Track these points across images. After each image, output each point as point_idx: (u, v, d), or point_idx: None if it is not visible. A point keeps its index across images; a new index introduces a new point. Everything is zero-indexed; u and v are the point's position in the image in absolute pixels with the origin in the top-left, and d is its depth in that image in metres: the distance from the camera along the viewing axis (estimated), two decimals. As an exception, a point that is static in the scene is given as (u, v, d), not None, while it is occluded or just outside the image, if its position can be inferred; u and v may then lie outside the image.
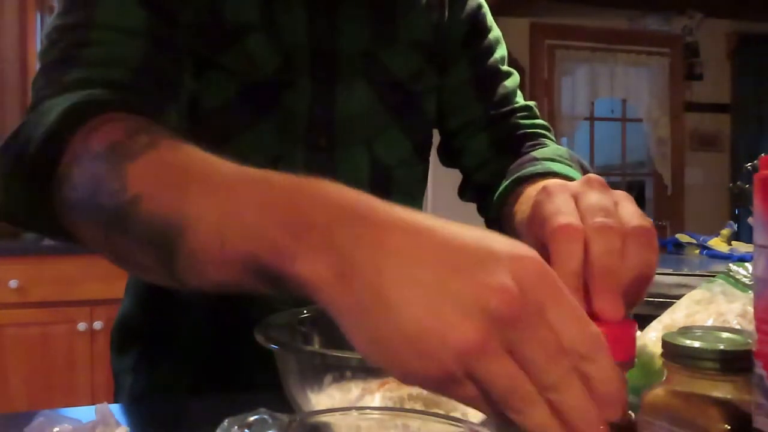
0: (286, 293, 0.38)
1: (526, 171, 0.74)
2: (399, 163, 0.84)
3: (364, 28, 0.79)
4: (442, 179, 1.10)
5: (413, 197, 0.88)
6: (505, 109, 0.86)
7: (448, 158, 0.91)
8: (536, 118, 0.87)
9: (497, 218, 0.78)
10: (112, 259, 0.49)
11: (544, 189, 0.49)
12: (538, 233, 0.47)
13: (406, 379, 0.35)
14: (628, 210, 0.47)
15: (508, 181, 0.76)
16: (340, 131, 0.78)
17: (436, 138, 0.92)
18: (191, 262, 0.41)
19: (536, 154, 0.79)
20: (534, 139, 0.84)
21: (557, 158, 0.77)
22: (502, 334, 0.33)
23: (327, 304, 0.36)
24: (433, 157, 0.93)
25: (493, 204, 0.78)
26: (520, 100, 0.88)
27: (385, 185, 0.82)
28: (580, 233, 0.43)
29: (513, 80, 0.89)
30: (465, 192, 0.91)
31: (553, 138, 0.86)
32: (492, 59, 0.88)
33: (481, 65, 0.87)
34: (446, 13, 0.86)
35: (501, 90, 0.87)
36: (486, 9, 0.90)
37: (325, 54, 0.77)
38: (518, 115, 0.86)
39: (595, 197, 0.47)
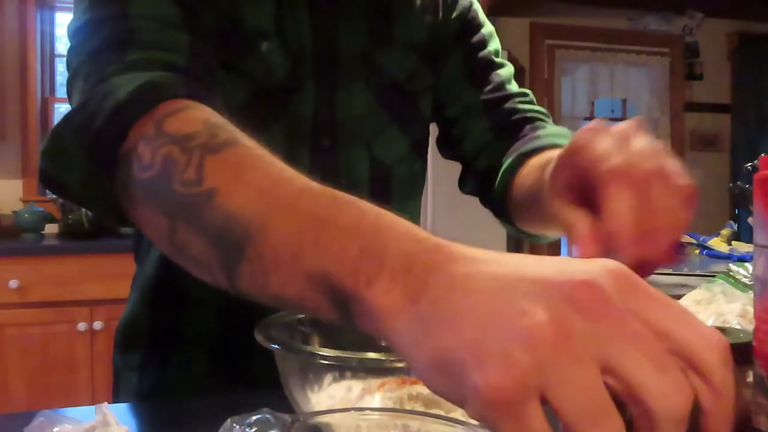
0: (346, 321, 0.36)
1: (529, 146, 0.74)
2: (397, 162, 0.85)
3: (363, 30, 0.81)
4: (442, 179, 1.10)
5: (412, 195, 0.89)
6: (501, 94, 0.86)
7: (447, 148, 0.92)
8: (534, 104, 0.87)
9: (502, 198, 0.78)
10: (170, 250, 0.46)
11: (587, 128, 0.49)
12: (580, 169, 0.46)
13: (471, 398, 0.29)
14: (676, 164, 0.46)
15: (512, 158, 0.75)
16: (341, 132, 0.80)
17: (434, 132, 0.92)
18: (256, 268, 0.40)
19: (539, 132, 0.79)
20: (533, 122, 0.84)
21: (561, 135, 0.77)
22: (585, 335, 0.29)
23: (392, 330, 0.33)
24: (433, 158, 0.93)
25: (498, 182, 0.78)
26: (515, 87, 0.88)
27: (384, 183, 0.84)
28: (638, 176, 0.43)
29: (507, 70, 0.89)
30: (465, 182, 0.91)
31: (552, 123, 0.86)
32: (485, 51, 0.89)
33: (474, 57, 0.88)
34: (440, 15, 0.87)
35: (495, 78, 0.87)
36: (477, 6, 0.91)
37: (327, 57, 0.78)
38: (516, 99, 0.86)
39: (644, 140, 0.46)
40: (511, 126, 0.83)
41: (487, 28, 0.91)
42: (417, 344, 0.32)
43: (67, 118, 0.54)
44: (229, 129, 0.48)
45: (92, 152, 0.51)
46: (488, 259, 0.33)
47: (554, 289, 0.30)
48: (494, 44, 0.90)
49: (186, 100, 0.52)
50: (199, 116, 0.49)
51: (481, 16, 0.91)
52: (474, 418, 0.30)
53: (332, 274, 0.36)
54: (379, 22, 0.82)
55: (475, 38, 0.89)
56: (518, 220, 0.80)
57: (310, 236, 0.37)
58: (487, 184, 0.84)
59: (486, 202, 0.87)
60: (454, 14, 0.88)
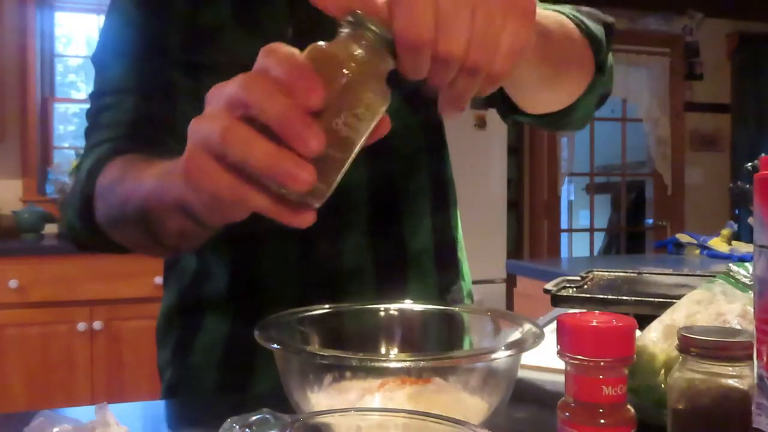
0: (210, 227, 0.54)
1: None
2: (396, 129, 0.85)
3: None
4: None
5: (413, 153, 0.88)
6: None
7: None
8: None
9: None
10: (134, 249, 0.73)
11: None
12: None
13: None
14: None
15: None
16: None
17: None
18: (161, 225, 0.60)
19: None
20: None
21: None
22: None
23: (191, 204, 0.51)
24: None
25: None
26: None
27: (384, 146, 0.84)
28: None
29: None
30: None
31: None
32: None
33: None
34: None
35: None
36: None
37: (308, 43, 0.81)
38: None
39: None
40: None
41: None
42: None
43: (66, 201, 0.80)
44: (126, 162, 0.72)
45: (83, 218, 0.75)
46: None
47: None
48: None
49: (116, 159, 0.75)
50: (114, 166, 0.73)
51: None
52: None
53: (173, 201, 0.54)
54: None
55: None
56: (514, 100, 0.79)
57: (162, 190, 0.57)
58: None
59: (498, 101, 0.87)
60: None
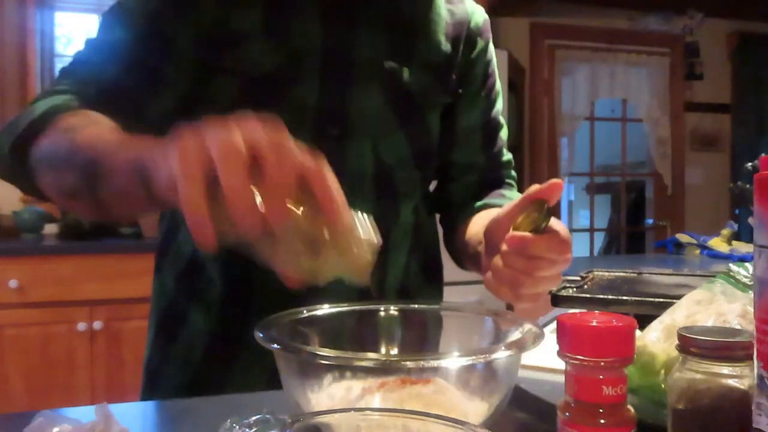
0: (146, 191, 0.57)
1: (495, 201, 0.97)
2: (399, 165, 0.91)
3: (382, 41, 0.89)
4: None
5: (412, 198, 0.95)
6: (501, 160, 1.04)
7: (438, 175, 1.04)
8: (513, 169, 1.08)
9: (455, 226, 0.99)
10: (60, 197, 0.72)
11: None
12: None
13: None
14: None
15: (482, 202, 0.98)
16: (351, 123, 0.87)
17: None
18: (105, 181, 0.63)
19: (504, 192, 1.02)
20: (508, 187, 1.05)
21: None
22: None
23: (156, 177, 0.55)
24: None
25: (461, 215, 0.99)
26: (507, 154, 1.06)
27: (386, 181, 0.90)
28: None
29: (505, 132, 1.05)
30: (438, 199, 1.05)
31: (516, 190, 1.05)
32: (496, 109, 1.03)
33: (490, 114, 1.02)
34: (461, 48, 0.97)
35: (500, 142, 1.04)
36: (494, 59, 1.03)
37: (338, 58, 0.86)
38: (507, 169, 1.06)
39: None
40: (494, 186, 1.02)
41: (499, 83, 1.04)
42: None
43: (6, 125, 0.78)
44: (85, 114, 0.74)
45: (13, 150, 0.75)
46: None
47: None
48: (500, 102, 1.04)
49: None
50: (72, 117, 0.74)
51: (497, 71, 1.04)
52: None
53: (135, 163, 0.58)
54: (400, 38, 0.91)
55: (493, 94, 1.02)
56: (454, 250, 1.01)
57: (118, 154, 0.62)
58: (449, 211, 1.03)
59: (442, 219, 1.06)
60: (480, 58, 1.00)
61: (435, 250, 1.03)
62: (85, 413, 0.56)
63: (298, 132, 0.85)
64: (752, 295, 0.43)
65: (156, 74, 0.82)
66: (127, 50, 0.82)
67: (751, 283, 0.56)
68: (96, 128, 0.71)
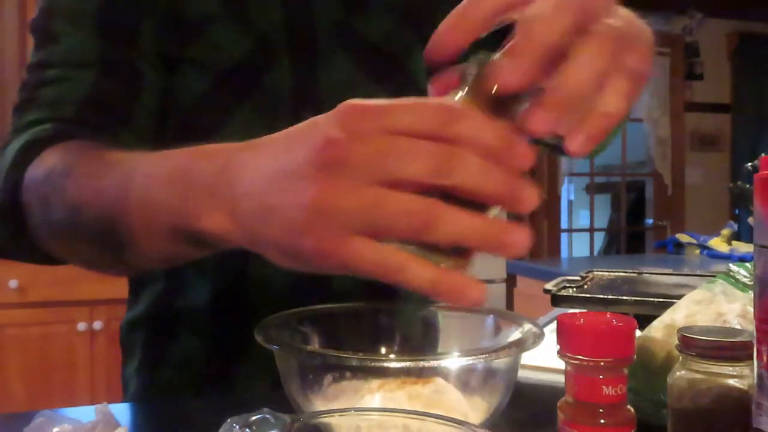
0: (204, 250, 0.46)
1: None
2: None
3: (336, 1, 0.80)
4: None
5: None
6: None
7: None
8: None
9: None
10: (80, 264, 0.59)
11: None
12: None
13: (307, 256, 0.37)
14: None
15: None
16: (326, 103, 0.79)
17: None
18: (134, 248, 0.50)
19: None
20: None
21: None
22: (343, 175, 0.35)
23: (238, 243, 0.41)
24: None
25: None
26: None
27: None
28: None
29: None
30: None
31: None
32: None
33: None
34: None
35: None
36: None
37: (301, 30, 0.78)
38: None
39: None
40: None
41: None
42: (256, 238, 0.40)
43: None
44: (79, 149, 0.59)
45: (5, 218, 0.61)
46: (251, 144, 0.42)
47: (301, 160, 0.37)
48: None
49: (59, 144, 0.61)
50: (58, 151, 0.60)
51: None
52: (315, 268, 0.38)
53: (174, 223, 0.45)
54: None
55: None
56: None
57: (149, 203, 0.47)
58: None
59: None
60: None
61: None
62: (85, 413, 0.56)
63: (276, 122, 0.81)
64: (752, 295, 0.43)
65: (131, 71, 0.72)
66: (95, 52, 0.70)
67: (751, 283, 0.56)
68: (90, 171, 0.55)
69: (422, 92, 0.88)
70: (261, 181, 0.39)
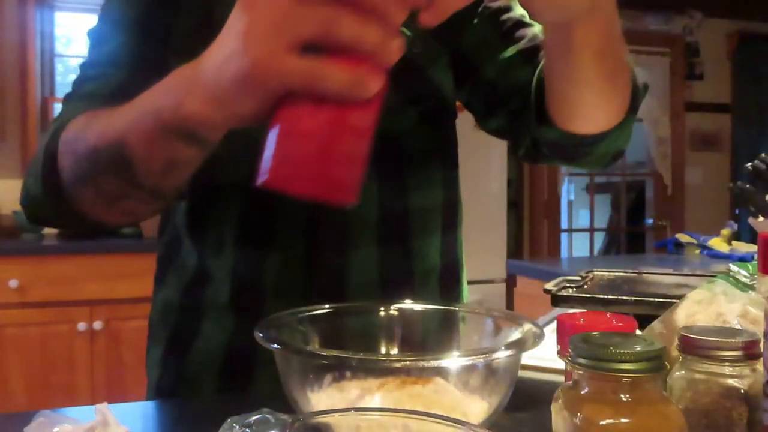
0: (208, 144, 0.53)
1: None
2: (404, 134, 0.84)
3: None
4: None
5: (428, 168, 0.87)
6: (537, 42, 0.85)
7: (491, 113, 0.89)
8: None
9: (540, 97, 0.78)
10: (104, 207, 0.66)
11: None
12: None
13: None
14: None
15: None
16: None
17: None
18: (139, 163, 0.57)
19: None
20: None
21: None
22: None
23: (218, 123, 0.50)
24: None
25: (534, 88, 0.80)
26: (521, 17, 0.88)
27: (394, 156, 0.83)
28: None
29: (539, 27, 0.86)
30: (494, 119, 0.89)
31: None
32: (511, 13, 0.87)
33: (500, 18, 0.87)
34: None
35: (528, 32, 0.86)
36: None
37: None
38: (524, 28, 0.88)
39: None
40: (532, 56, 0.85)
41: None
42: (227, 104, 0.48)
43: (29, 169, 0.73)
44: (96, 113, 0.67)
45: (47, 188, 0.69)
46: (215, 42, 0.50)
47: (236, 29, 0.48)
48: (520, 9, 0.88)
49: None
50: (81, 117, 0.69)
51: None
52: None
53: (165, 121, 0.53)
54: None
55: (497, 3, 0.87)
56: (553, 107, 0.79)
57: (144, 117, 0.56)
58: (519, 119, 0.84)
59: (517, 125, 0.86)
60: None
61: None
62: (85, 413, 0.56)
63: None
64: (752, 295, 0.43)
65: (162, 68, 0.74)
66: (132, 53, 0.78)
67: (751, 283, 0.56)
68: (105, 116, 0.65)
69: (446, 104, 0.88)
70: (219, 57, 0.48)
